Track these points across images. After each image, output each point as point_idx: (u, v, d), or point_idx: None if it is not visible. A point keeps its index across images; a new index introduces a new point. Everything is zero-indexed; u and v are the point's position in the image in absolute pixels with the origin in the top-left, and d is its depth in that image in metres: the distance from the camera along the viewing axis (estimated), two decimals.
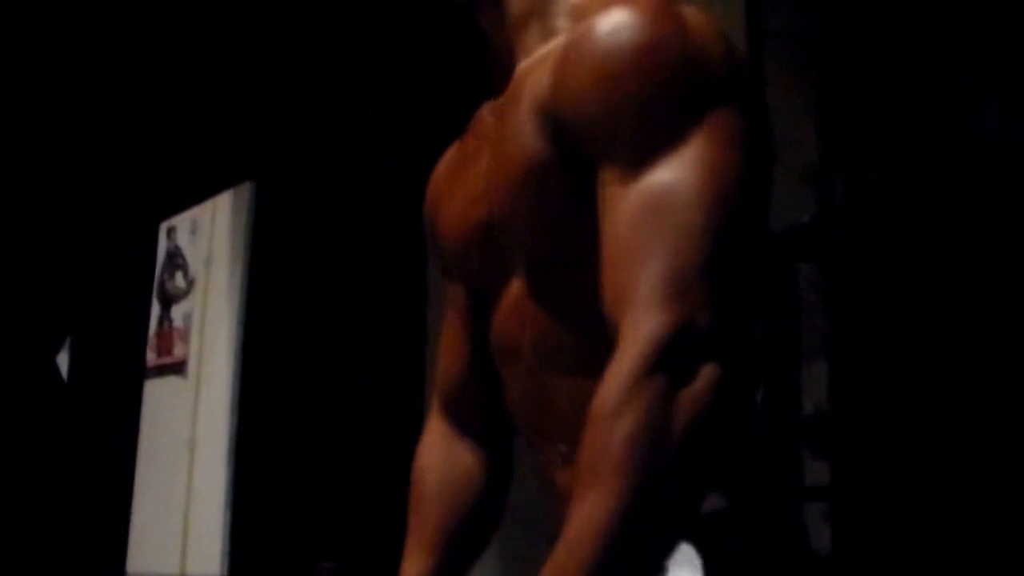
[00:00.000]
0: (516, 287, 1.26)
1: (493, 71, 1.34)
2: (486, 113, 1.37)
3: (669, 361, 0.98)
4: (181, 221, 4.59)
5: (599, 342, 1.09)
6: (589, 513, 0.97)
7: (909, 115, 2.73)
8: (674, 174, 1.05)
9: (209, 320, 4.29)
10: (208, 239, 4.38)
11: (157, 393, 4.58)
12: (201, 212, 4.46)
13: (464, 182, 1.35)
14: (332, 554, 3.70)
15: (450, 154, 1.46)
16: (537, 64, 1.22)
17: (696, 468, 1.01)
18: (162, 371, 4.56)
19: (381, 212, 3.83)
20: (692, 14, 1.12)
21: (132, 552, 4.54)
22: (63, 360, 5.34)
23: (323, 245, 4.13)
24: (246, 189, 4.20)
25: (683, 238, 1.02)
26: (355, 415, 3.82)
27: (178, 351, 4.46)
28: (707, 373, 0.99)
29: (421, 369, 3.37)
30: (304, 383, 4.06)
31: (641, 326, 1.00)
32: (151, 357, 4.65)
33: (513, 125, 1.21)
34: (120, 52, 4.78)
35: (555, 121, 1.14)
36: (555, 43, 1.21)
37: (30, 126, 5.02)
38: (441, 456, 1.48)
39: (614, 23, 1.10)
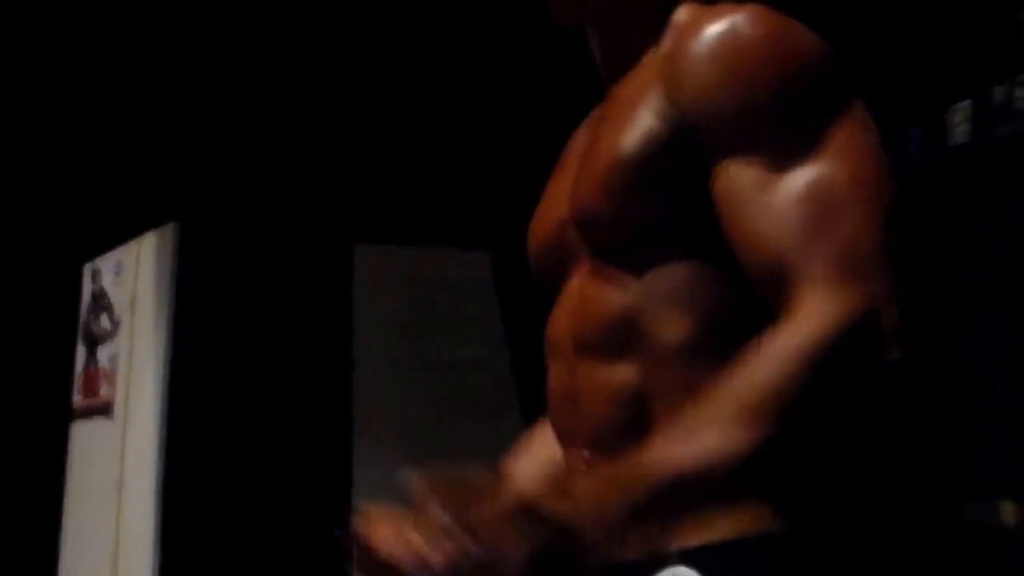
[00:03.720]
0: (575, 282, 1.32)
1: (603, 88, 1.40)
2: (580, 132, 1.44)
3: (855, 339, 1.04)
4: (105, 262, 4.57)
5: (633, 332, 1.19)
6: (713, 437, 1.03)
7: None
8: (829, 162, 1.11)
9: (135, 361, 4.27)
10: (133, 280, 4.36)
11: (84, 435, 4.54)
12: (125, 253, 4.44)
13: (551, 192, 1.43)
14: None
15: (552, 178, 1.50)
16: (638, 73, 1.29)
17: (853, 445, 1.08)
18: (88, 413, 4.52)
19: (307, 253, 3.86)
20: (789, 19, 1.20)
21: None
22: None
23: (248, 286, 4.14)
24: (170, 230, 4.19)
25: (855, 222, 1.08)
26: (283, 457, 3.84)
27: (104, 393, 4.43)
28: (892, 353, 1.05)
29: (348, 410, 3.40)
30: (231, 424, 4.07)
31: (825, 302, 1.05)
32: (77, 399, 4.61)
33: (613, 124, 1.27)
34: (41, 91, 4.76)
35: (676, 114, 1.19)
36: (659, 55, 1.27)
37: None
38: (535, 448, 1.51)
39: (736, 22, 1.18)
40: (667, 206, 1.21)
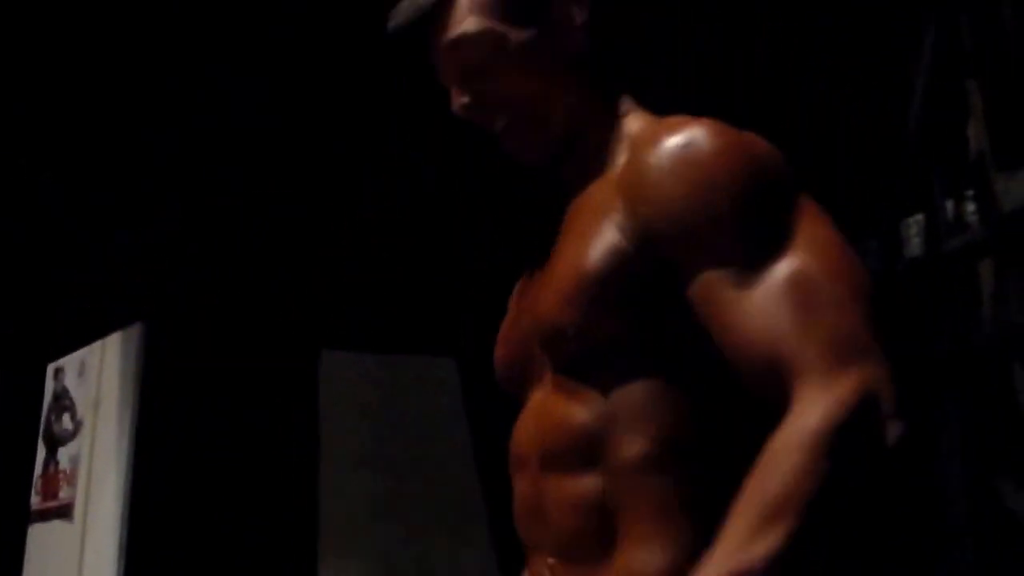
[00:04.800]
0: (539, 396, 1.34)
1: (565, 202, 1.43)
2: (544, 243, 1.45)
3: (862, 421, 1.06)
4: (69, 362, 4.56)
5: (597, 446, 1.22)
6: (765, 546, 1.04)
7: None
8: (801, 255, 1.15)
9: (96, 463, 4.24)
10: (96, 381, 4.35)
11: (42, 537, 4.49)
12: (89, 353, 4.44)
13: (516, 304, 1.45)
14: None
15: (518, 287, 1.52)
16: (596, 189, 1.32)
17: (871, 520, 1.10)
18: (47, 515, 4.47)
19: (274, 358, 3.87)
20: (742, 131, 1.25)
21: None
22: None
23: (214, 390, 4.14)
24: (135, 331, 4.20)
25: (838, 308, 1.11)
26: (247, 563, 3.81)
27: (64, 494, 4.39)
28: (895, 429, 1.08)
29: (313, 515, 3.39)
30: (193, 528, 4.04)
31: (825, 390, 1.07)
32: (36, 500, 4.56)
33: (574, 240, 1.30)
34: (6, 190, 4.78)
35: (638, 230, 1.22)
36: (616, 168, 1.31)
37: None
38: None
39: (693, 136, 1.22)
40: (630, 322, 1.23)
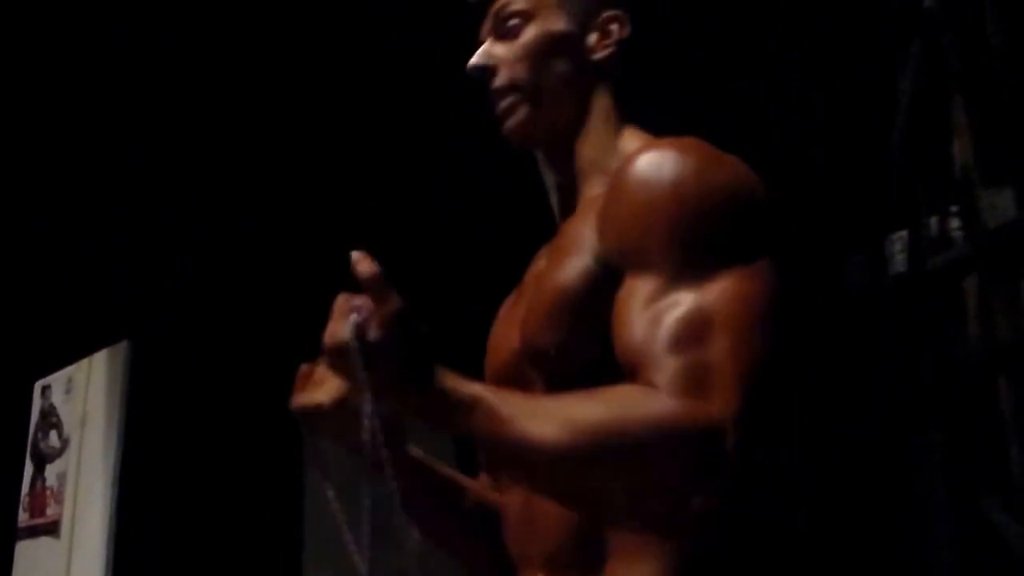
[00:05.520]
0: None
1: (560, 216, 1.46)
2: (540, 257, 1.48)
3: (688, 441, 1.09)
4: (56, 380, 4.55)
5: None
6: (537, 430, 1.09)
7: None
8: (713, 298, 1.16)
9: (83, 480, 4.23)
10: (83, 398, 4.34)
11: (29, 554, 4.47)
12: (76, 371, 4.43)
13: (508, 318, 1.46)
14: None
15: (509, 299, 1.54)
16: (588, 205, 1.34)
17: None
18: (34, 532, 4.46)
19: (261, 373, 3.86)
20: (730, 157, 1.26)
21: None
22: None
23: (200, 406, 4.13)
24: (122, 348, 4.20)
25: (715, 350, 1.13)
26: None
27: (51, 511, 4.38)
28: (720, 478, 1.09)
29: (299, 530, 3.38)
30: (179, 544, 4.02)
31: (678, 401, 1.10)
32: (23, 517, 4.54)
33: (559, 260, 1.32)
34: None
35: (604, 249, 1.25)
36: (603, 188, 1.32)
37: None
38: None
39: (659, 158, 1.24)
40: (607, 342, 1.23)
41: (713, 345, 1.13)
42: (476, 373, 1.48)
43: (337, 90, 4.03)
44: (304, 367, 1.33)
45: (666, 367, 1.12)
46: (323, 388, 1.28)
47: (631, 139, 1.40)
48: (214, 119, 4.19)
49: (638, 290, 1.19)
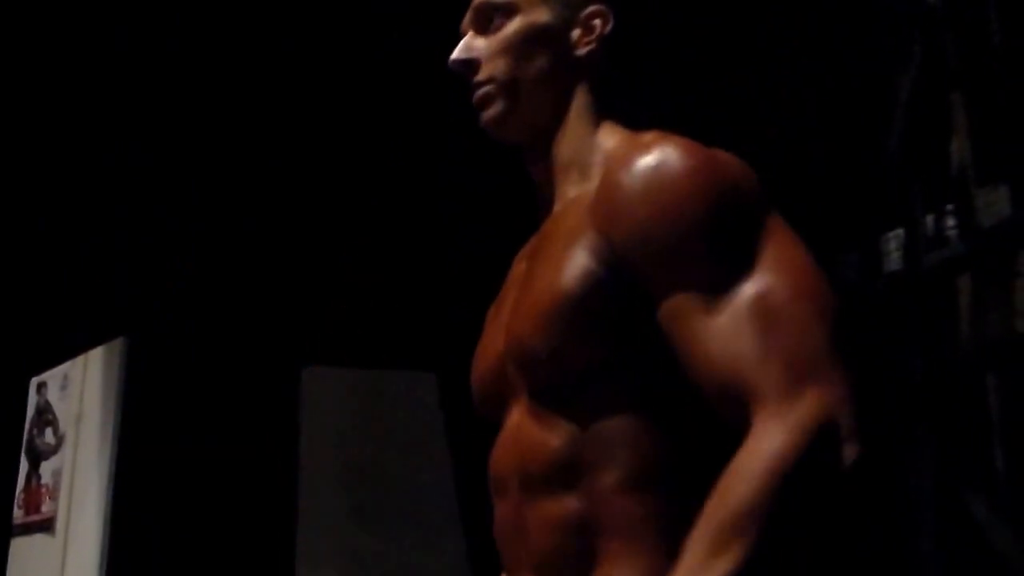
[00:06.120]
0: (515, 418, 1.33)
1: (539, 214, 1.44)
2: (522, 258, 1.46)
3: (819, 445, 1.08)
4: (52, 376, 4.54)
5: (574, 471, 1.22)
6: (723, 566, 1.05)
7: None
8: (768, 277, 1.15)
9: (78, 477, 4.22)
10: (79, 395, 4.34)
11: (24, 551, 4.47)
12: (72, 367, 4.42)
13: (491, 323, 1.44)
14: None
15: (493, 306, 1.51)
16: (572, 205, 1.33)
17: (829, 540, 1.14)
18: (29, 529, 4.45)
19: (255, 373, 3.87)
20: (714, 148, 1.25)
21: None
22: None
23: (196, 404, 4.13)
24: (118, 345, 4.19)
25: (800, 330, 1.12)
26: (225, 573, 3.80)
27: (46, 508, 4.37)
28: (852, 451, 1.09)
29: (292, 529, 3.38)
30: (174, 541, 4.02)
31: (784, 414, 1.08)
32: (18, 514, 4.54)
33: (548, 261, 1.29)
34: None
35: (612, 253, 1.23)
36: (590, 185, 1.31)
37: None
38: None
39: (660, 157, 1.22)
40: (604, 346, 1.23)
41: (794, 327, 1.13)
42: (465, 376, 1.49)
43: (337, 90, 4.03)
44: None
45: (764, 375, 1.11)
46: None
47: (609, 134, 1.38)
48: (212, 118, 4.19)
49: (691, 305, 1.17)
